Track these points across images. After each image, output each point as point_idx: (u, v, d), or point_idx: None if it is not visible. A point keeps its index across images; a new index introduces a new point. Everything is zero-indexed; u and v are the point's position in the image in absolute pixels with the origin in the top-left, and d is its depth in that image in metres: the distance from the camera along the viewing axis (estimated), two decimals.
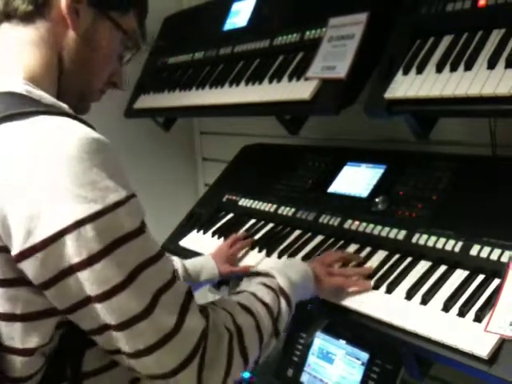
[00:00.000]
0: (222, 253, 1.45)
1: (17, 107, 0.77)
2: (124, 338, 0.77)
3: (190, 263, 1.41)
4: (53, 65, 0.90)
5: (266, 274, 1.05)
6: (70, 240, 0.72)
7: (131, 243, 0.76)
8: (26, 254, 0.72)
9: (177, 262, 1.39)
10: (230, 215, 1.69)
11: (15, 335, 0.77)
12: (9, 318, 0.76)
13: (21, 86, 0.82)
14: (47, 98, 0.83)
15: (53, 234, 0.72)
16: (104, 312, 0.76)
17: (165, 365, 0.79)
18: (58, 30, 0.89)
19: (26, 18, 0.88)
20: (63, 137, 0.75)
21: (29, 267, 0.73)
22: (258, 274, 1.07)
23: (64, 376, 0.81)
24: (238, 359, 0.87)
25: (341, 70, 1.29)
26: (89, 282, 0.74)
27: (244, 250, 1.47)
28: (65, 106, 0.84)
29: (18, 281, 0.75)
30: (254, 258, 1.43)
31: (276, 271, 1.05)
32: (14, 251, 0.73)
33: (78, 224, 0.72)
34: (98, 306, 0.75)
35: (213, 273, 1.41)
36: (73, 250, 0.73)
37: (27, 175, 0.73)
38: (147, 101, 2.05)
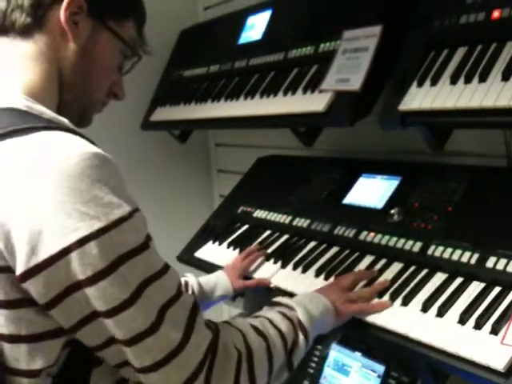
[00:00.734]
0: (236, 266, 1.45)
1: (17, 123, 0.76)
2: (131, 353, 0.77)
3: (205, 280, 1.41)
4: (53, 79, 0.89)
5: (286, 305, 1.04)
6: (74, 258, 0.71)
7: (136, 259, 0.75)
8: (30, 273, 0.71)
9: (192, 279, 1.39)
10: (245, 227, 1.69)
11: (20, 357, 0.76)
12: (14, 339, 0.76)
13: (21, 102, 0.81)
14: (47, 112, 0.82)
15: (57, 252, 0.71)
16: (111, 327, 0.75)
17: (171, 381, 0.78)
18: (57, 43, 0.88)
19: (25, 32, 0.87)
20: (64, 153, 0.74)
21: (33, 286, 0.72)
22: (278, 303, 1.06)
23: None
24: (245, 381, 0.86)
25: (355, 83, 1.30)
26: (95, 298, 0.74)
27: (259, 262, 1.47)
28: (65, 120, 0.83)
29: (23, 302, 0.74)
30: (269, 270, 1.43)
31: (296, 303, 1.04)
32: (18, 271, 0.72)
33: (82, 241, 0.71)
34: (106, 321, 0.75)
35: (227, 290, 1.40)
36: (77, 268, 0.72)
37: (30, 192, 0.72)
38: (163, 113, 2.08)
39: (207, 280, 1.41)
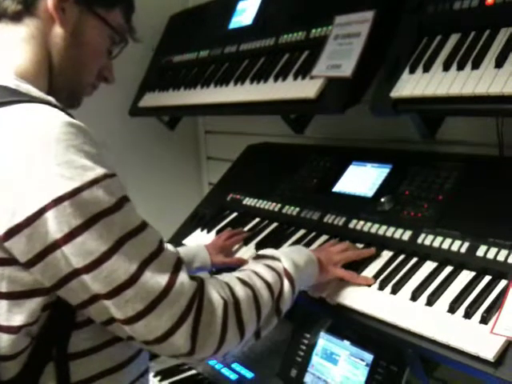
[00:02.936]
0: (216, 244, 1.49)
1: (3, 98, 0.82)
2: (114, 305, 0.80)
3: (184, 251, 1.45)
4: (43, 61, 0.94)
5: (271, 257, 1.06)
6: (51, 216, 0.76)
7: (110, 217, 0.79)
8: (11, 232, 0.76)
9: (171, 249, 1.42)
10: (234, 214, 1.68)
11: (1, 312, 0.80)
12: None
13: (10, 81, 0.87)
14: (34, 91, 0.87)
15: (35, 212, 0.76)
16: (92, 282, 0.79)
17: (155, 329, 0.82)
18: (46, 28, 0.93)
19: (16, 17, 0.92)
20: (42, 121, 0.79)
21: (15, 245, 0.77)
22: (263, 256, 1.08)
23: (50, 356, 0.84)
24: (234, 328, 0.89)
25: (346, 69, 1.28)
26: (73, 255, 0.78)
27: (251, 253, 1.45)
28: (51, 98, 0.88)
29: (6, 260, 0.79)
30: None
31: (281, 254, 1.07)
32: (1, 231, 0.77)
33: (57, 201, 0.76)
34: (86, 277, 0.79)
35: (205, 262, 1.44)
36: (55, 226, 0.76)
37: (9, 158, 0.77)
38: (152, 99, 2.05)
39: (187, 251, 1.45)
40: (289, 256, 1.06)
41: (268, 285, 0.98)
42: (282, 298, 1.01)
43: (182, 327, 0.82)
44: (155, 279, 0.81)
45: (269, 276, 1.00)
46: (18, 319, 0.80)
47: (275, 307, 1.00)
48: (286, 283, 1.02)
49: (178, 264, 0.86)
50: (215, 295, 0.88)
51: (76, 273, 0.79)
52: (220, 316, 0.87)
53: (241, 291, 0.93)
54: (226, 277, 0.96)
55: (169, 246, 1.45)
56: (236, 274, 0.99)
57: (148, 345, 0.84)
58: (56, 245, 0.77)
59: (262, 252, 1.11)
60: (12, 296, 0.80)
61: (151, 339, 0.83)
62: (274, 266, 1.03)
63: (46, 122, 0.79)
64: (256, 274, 0.99)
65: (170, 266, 0.84)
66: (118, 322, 0.82)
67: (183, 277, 0.85)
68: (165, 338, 0.82)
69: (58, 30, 0.93)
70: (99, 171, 0.79)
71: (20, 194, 0.76)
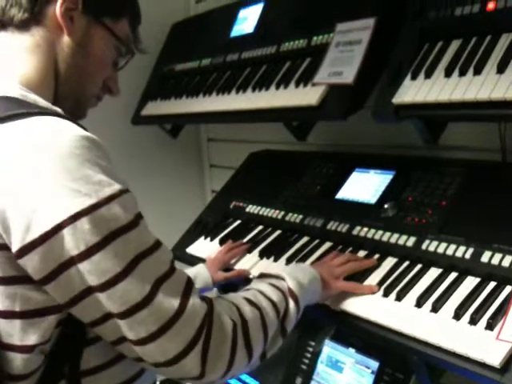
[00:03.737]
0: (217, 259, 1.47)
1: (11, 110, 0.80)
2: (126, 326, 0.79)
3: None
4: (48, 70, 0.93)
5: (276, 276, 1.06)
6: (67, 233, 0.74)
7: (127, 235, 0.78)
8: (26, 249, 0.74)
9: None
10: (238, 222, 1.68)
11: (14, 332, 0.79)
12: (8, 315, 0.78)
13: (16, 91, 0.85)
14: (41, 101, 0.86)
15: (50, 229, 0.74)
16: (106, 301, 0.77)
17: (168, 351, 0.81)
18: (53, 37, 0.92)
19: (22, 26, 0.91)
20: (55, 135, 0.77)
21: (29, 263, 0.75)
22: (267, 275, 1.07)
23: (62, 374, 0.83)
24: (242, 349, 0.88)
25: (348, 76, 1.29)
26: (89, 273, 0.76)
27: (254, 261, 1.45)
28: (58, 109, 0.87)
29: (18, 278, 0.77)
30: (262, 266, 1.41)
31: (286, 273, 1.06)
32: (14, 248, 0.75)
33: (74, 218, 0.74)
34: (100, 296, 0.77)
35: (206, 281, 1.43)
36: (71, 243, 0.75)
37: (23, 173, 0.75)
38: (154, 108, 2.05)
39: (188, 273, 1.42)
40: (293, 275, 1.06)
41: (274, 304, 0.97)
42: (287, 318, 1.00)
43: (194, 349, 0.81)
44: (168, 300, 0.80)
45: (274, 295, 0.99)
46: (32, 338, 0.78)
47: (280, 327, 0.99)
48: (291, 303, 1.01)
49: (189, 285, 0.85)
50: (225, 316, 0.87)
51: (90, 290, 0.77)
52: (229, 337, 0.86)
53: (249, 312, 0.92)
54: (232, 297, 0.95)
55: None
56: (242, 293, 0.98)
57: (158, 367, 0.83)
58: (72, 262, 0.76)
59: (265, 271, 1.10)
60: (26, 315, 0.78)
61: (162, 361, 0.81)
62: (279, 286, 1.02)
63: (59, 137, 0.77)
64: (262, 293, 0.98)
65: (182, 286, 0.83)
66: (128, 341, 0.81)
67: (194, 298, 0.84)
68: (177, 360, 0.81)
69: (65, 39, 0.92)
70: (116, 187, 0.78)
71: (34, 210, 0.74)
